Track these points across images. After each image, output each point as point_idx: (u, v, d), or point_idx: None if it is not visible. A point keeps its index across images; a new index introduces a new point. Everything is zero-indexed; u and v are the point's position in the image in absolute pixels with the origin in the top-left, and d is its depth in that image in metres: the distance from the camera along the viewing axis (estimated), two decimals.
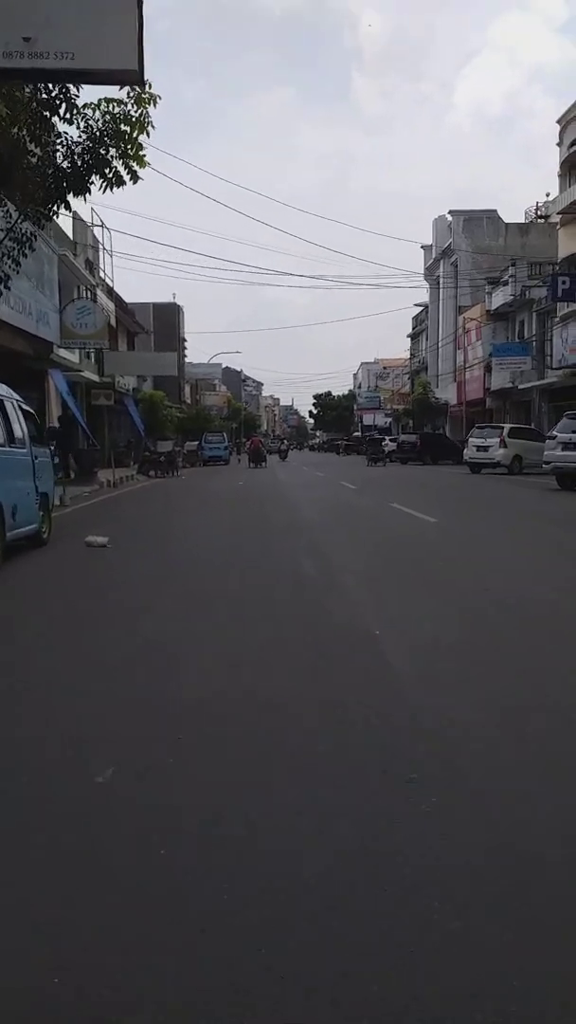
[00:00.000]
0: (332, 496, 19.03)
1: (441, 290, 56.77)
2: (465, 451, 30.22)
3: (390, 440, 50.59)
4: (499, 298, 45.66)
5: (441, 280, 56.77)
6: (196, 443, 46.92)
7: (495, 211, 52.11)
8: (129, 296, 43.61)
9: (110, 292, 36.51)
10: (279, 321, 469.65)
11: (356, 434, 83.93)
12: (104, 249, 35.66)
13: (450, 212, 52.41)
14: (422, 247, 61.60)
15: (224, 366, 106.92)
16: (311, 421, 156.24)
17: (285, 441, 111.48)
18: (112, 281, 36.60)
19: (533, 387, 39.71)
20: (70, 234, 32.31)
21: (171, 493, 22.18)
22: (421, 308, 71.12)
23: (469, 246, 52.27)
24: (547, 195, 54.19)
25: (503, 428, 29.10)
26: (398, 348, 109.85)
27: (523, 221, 52.63)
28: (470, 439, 30.05)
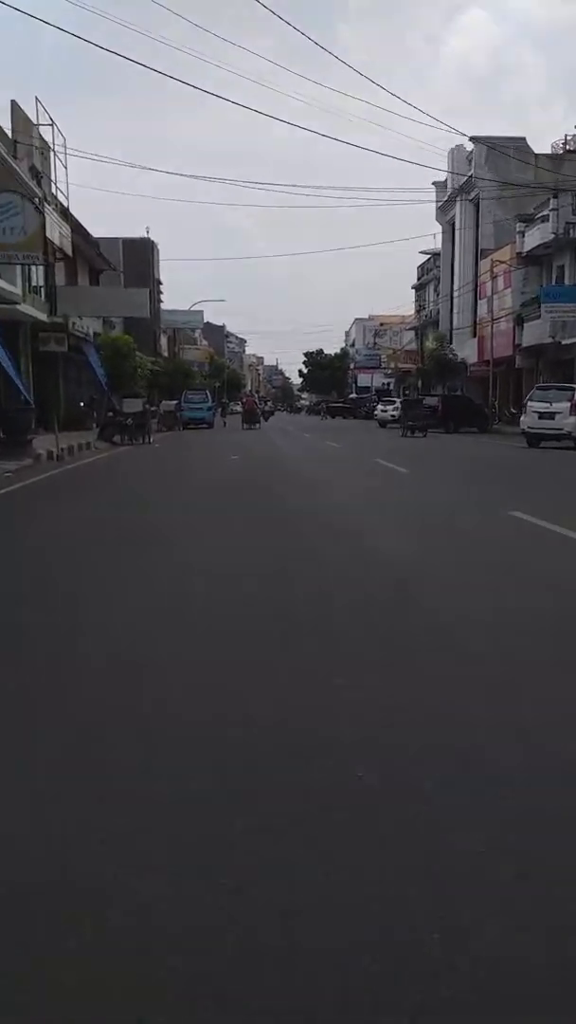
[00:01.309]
0: (386, 486, 12.34)
1: (458, 231, 49.52)
2: (523, 418, 23.60)
3: (399, 403, 43.76)
4: (534, 238, 38.63)
5: (459, 220, 49.45)
6: (175, 402, 39.81)
7: (523, 139, 44.81)
8: (95, 230, 36.16)
9: (65, 213, 29.09)
10: (264, 272, 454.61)
11: (352, 396, 76.99)
12: (56, 155, 28.14)
13: (471, 139, 44.94)
14: (434, 184, 54.06)
15: (205, 322, 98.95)
16: (297, 382, 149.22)
17: (269, 402, 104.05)
18: (67, 198, 29.13)
19: None
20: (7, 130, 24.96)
21: (132, 476, 15.31)
22: (428, 256, 63.85)
23: (494, 179, 44.94)
24: None
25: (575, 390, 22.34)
26: (393, 303, 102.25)
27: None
28: (529, 403, 23.35)
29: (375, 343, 77.73)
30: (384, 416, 43.72)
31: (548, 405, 22.12)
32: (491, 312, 40.06)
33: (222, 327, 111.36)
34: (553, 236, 35.89)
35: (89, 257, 36.39)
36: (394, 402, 44.36)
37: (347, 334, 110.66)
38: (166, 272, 58.68)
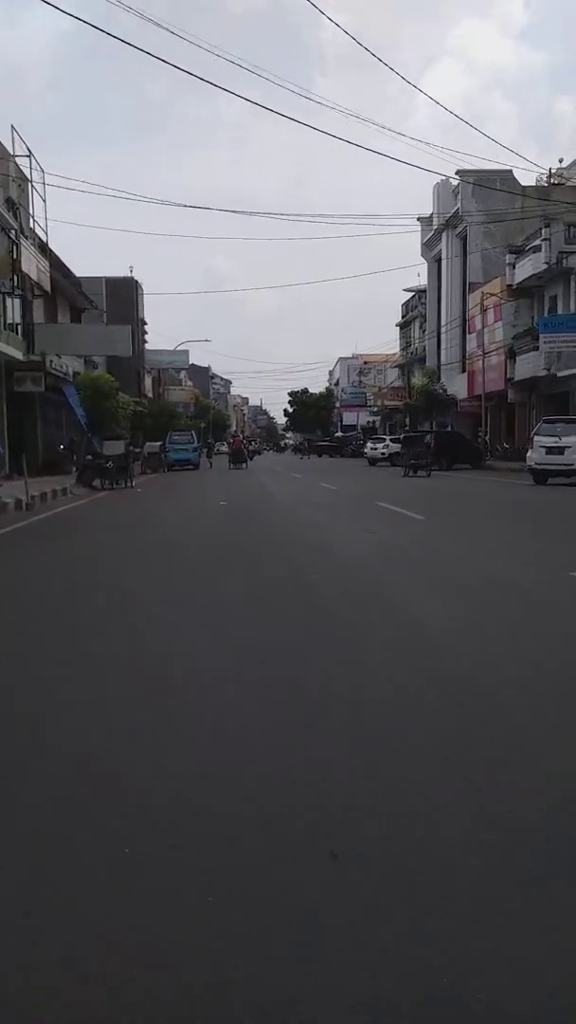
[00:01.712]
0: (405, 537, 10.74)
1: (445, 266, 48.86)
2: (529, 454, 22.20)
3: (390, 441, 42.53)
4: (525, 269, 37.84)
5: (445, 254, 48.83)
6: (159, 444, 38.36)
7: (510, 171, 44.27)
8: (78, 269, 34.95)
9: (43, 248, 27.87)
10: (248, 318, 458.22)
11: (338, 434, 75.87)
12: (34, 188, 26.96)
13: (457, 173, 44.47)
14: (419, 219, 53.65)
15: (190, 364, 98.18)
16: (282, 422, 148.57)
17: (254, 442, 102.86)
18: (46, 233, 27.90)
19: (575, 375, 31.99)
20: None
21: (106, 530, 13.66)
22: (413, 294, 63.35)
23: (481, 212, 44.41)
24: (560, 161, 47.08)
25: None
26: (375, 342, 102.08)
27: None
28: (536, 438, 22.00)
29: (360, 381, 76.93)
30: (374, 454, 42.45)
31: (557, 439, 20.79)
32: (481, 346, 39.07)
33: (207, 368, 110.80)
34: (545, 266, 35.07)
35: (70, 295, 35.18)
36: (384, 440, 43.18)
37: (331, 373, 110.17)
38: (151, 313, 57.89)
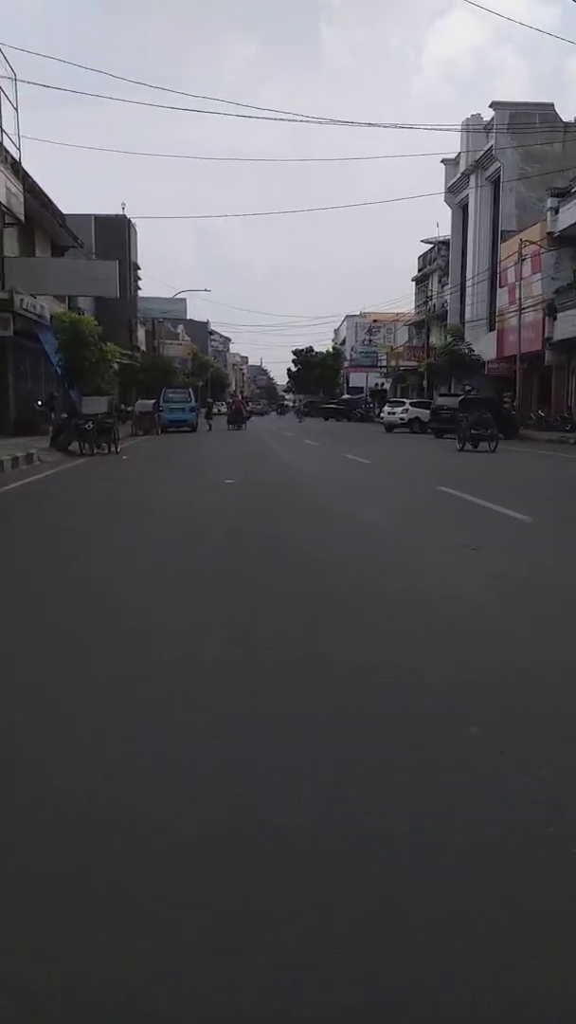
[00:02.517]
0: (527, 555, 6.72)
1: (472, 213, 44.13)
2: None
3: (409, 406, 38.34)
4: (570, 214, 33.38)
5: (473, 200, 44.05)
6: (153, 402, 34.14)
7: (551, 105, 39.51)
8: (65, 206, 30.30)
9: (16, 168, 23.33)
10: (248, 276, 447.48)
11: (344, 396, 71.46)
12: (4, 95, 22.33)
13: (492, 105, 39.68)
14: (443, 162, 48.81)
15: (188, 318, 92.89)
16: (282, 383, 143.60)
17: (261, 402, 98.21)
18: (19, 149, 23.33)
19: None
20: None
21: (70, 518, 9.61)
22: (432, 245, 58.56)
23: (517, 151, 39.67)
24: None
25: None
26: (382, 299, 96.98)
27: None
28: None
29: (370, 340, 72.30)
30: (392, 419, 38.26)
31: None
32: (519, 301, 34.68)
33: (206, 323, 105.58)
34: None
35: (50, 230, 30.64)
36: (403, 403, 38.90)
37: (336, 332, 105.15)
38: (145, 260, 53.06)
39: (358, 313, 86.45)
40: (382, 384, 67.50)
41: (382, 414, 40.13)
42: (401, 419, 37.91)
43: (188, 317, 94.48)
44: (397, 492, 11.84)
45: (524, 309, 34.86)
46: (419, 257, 62.12)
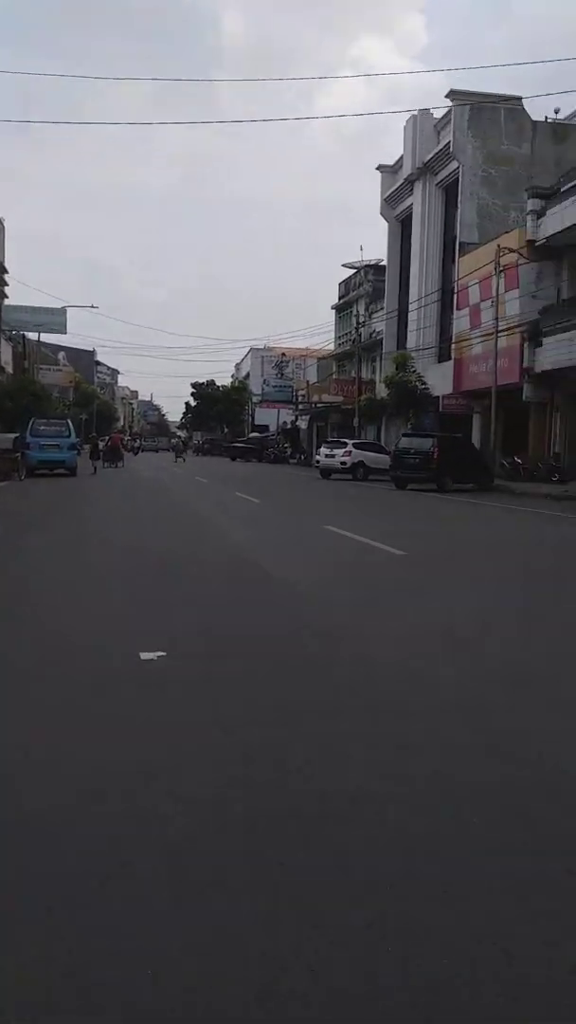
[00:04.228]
0: None
1: (418, 224, 37.33)
2: None
3: (352, 447, 30.52)
4: (555, 220, 26.84)
5: (421, 209, 37.28)
6: (14, 436, 24.94)
7: (519, 99, 33.35)
8: None
9: None
10: (138, 311, 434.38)
11: (253, 434, 63.47)
12: None
13: (450, 95, 33.14)
14: (379, 169, 42.10)
15: (72, 348, 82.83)
16: (175, 419, 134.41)
17: (139, 439, 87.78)
18: None
19: None
20: None
21: None
22: (355, 270, 51.90)
23: (480, 151, 33.16)
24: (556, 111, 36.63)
25: None
26: (284, 331, 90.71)
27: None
28: None
29: (281, 374, 64.82)
30: (331, 463, 30.37)
31: None
32: (497, 321, 27.65)
33: (92, 351, 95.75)
34: None
35: None
36: (345, 444, 31.07)
37: (238, 367, 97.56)
38: (22, 272, 42.98)
39: (263, 346, 79.27)
40: (291, 423, 59.93)
41: (317, 457, 32.11)
42: (343, 463, 30.04)
43: (72, 345, 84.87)
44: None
45: (499, 333, 27.84)
46: (340, 283, 55.36)
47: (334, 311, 55.92)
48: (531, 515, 15.95)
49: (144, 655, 4.39)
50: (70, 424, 28.41)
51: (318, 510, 16.22)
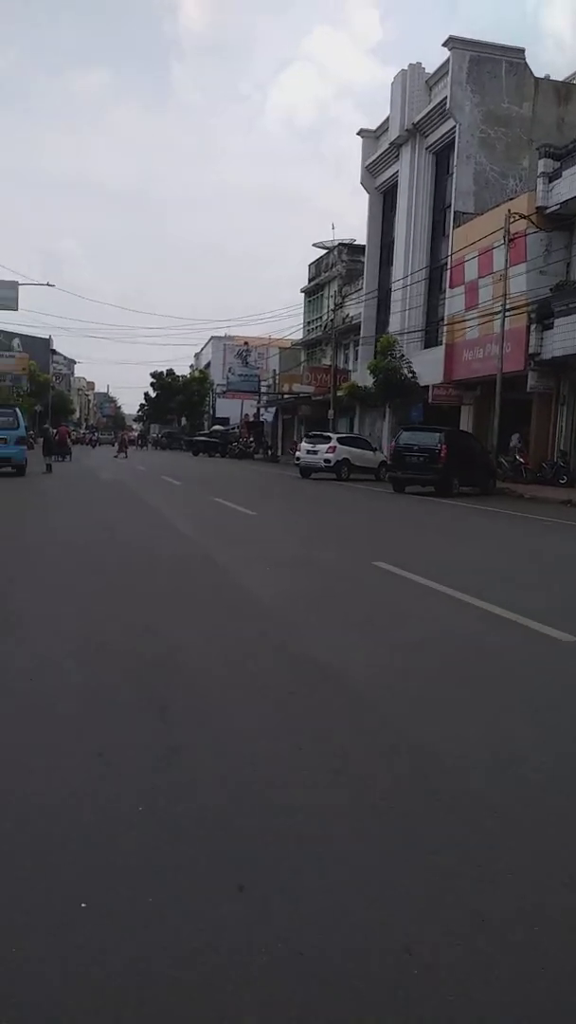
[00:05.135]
0: None
1: (406, 193, 33.78)
2: None
3: (336, 443, 26.90)
4: (570, 183, 23.53)
5: (408, 176, 33.73)
6: None
7: (522, 51, 29.99)
8: None
9: None
10: (95, 301, 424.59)
11: (216, 428, 59.53)
12: None
13: (448, 43, 29.54)
14: (360, 133, 38.44)
15: (26, 335, 77.87)
16: (131, 412, 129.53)
17: (97, 432, 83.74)
18: None
19: None
20: None
21: None
22: (327, 250, 48.31)
23: (479, 108, 29.68)
24: None
25: None
26: (242, 318, 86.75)
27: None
28: None
29: (245, 363, 60.94)
30: (313, 461, 26.70)
31: None
32: (505, 299, 24.23)
33: (47, 339, 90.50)
34: None
35: None
36: (328, 439, 27.40)
37: (198, 357, 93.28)
38: None
39: (223, 335, 75.26)
40: (256, 415, 56.11)
41: (298, 453, 28.36)
42: (326, 461, 26.39)
43: (27, 332, 79.80)
44: None
45: (508, 312, 24.43)
46: (310, 265, 51.64)
47: (303, 295, 52.19)
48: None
49: None
50: (18, 413, 24.11)
51: (341, 529, 12.55)
